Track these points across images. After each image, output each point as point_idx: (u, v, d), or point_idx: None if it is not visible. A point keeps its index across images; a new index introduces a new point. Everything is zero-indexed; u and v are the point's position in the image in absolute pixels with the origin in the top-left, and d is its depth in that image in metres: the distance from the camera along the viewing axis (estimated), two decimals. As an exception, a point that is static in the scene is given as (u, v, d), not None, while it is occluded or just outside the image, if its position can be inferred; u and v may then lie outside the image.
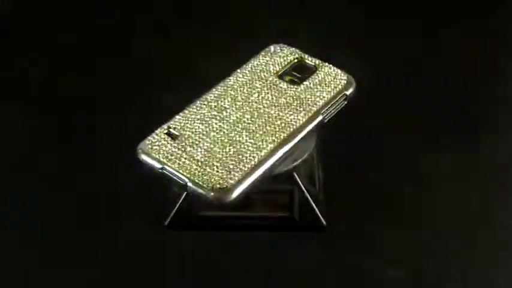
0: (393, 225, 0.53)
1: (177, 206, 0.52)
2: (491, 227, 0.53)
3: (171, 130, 0.46)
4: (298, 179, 0.51)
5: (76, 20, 0.69)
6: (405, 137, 0.59)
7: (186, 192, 0.51)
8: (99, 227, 0.53)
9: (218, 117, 0.47)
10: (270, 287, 0.50)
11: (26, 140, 0.59)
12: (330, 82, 0.49)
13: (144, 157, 0.45)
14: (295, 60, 0.51)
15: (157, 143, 0.45)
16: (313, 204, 0.52)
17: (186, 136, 0.46)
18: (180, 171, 0.44)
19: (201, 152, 0.45)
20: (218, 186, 0.44)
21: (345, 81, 0.50)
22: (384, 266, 0.51)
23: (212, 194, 0.43)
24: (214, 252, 0.52)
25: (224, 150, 0.45)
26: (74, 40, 0.67)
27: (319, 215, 0.52)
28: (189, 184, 0.44)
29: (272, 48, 0.52)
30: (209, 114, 0.47)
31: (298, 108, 0.48)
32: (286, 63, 0.50)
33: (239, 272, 0.51)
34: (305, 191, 0.51)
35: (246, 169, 0.44)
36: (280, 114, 0.48)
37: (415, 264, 0.51)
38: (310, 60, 0.51)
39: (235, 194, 0.44)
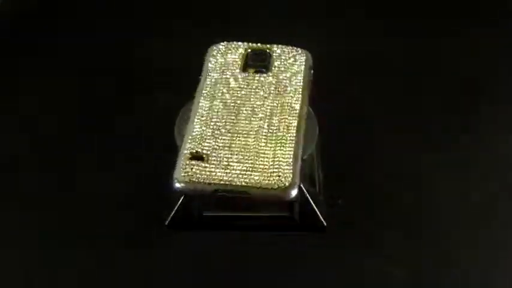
0: (393, 225, 0.53)
1: (177, 206, 0.52)
2: (491, 227, 0.53)
3: (195, 154, 0.46)
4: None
5: (76, 21, 0.69)
6: (405, 137, 0.59)
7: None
8: (99, 227, 0.53)
9: (228, 126, 0.47)
10: (270, 287, 0.50)
11: (26, 140, 0.59)
12: (294, 59, 0.51)
13: (187, 186, 0.45)
14: (249, 51, 0.51)
15: (193, 170, 0.45)
16: (313, 204, 0.52)
17: (215, 154, 0.46)
18: (236, 185, 0.44)
19: (240, 161, 0.45)
20: (282, 185, 0.44)
21: (304, 54, 0.51)
22: (383, 265, 0.51)
23: (281, 194, 0.44)
24: (215, 252, 0.52)
25: (260, 151, 0.45)
26: (73, 40, 0.67)
27: (319, 215, 0.52)
28: (254, 193, 0.44)
29: (216, 49, 0.52)
30: (216, 125, 0.47)
31: (286, 91, 0.49)
32: (241, 57, 0.51)
33: (239, 272, 0.51)
34: (305, 191, 0.51)
35: (291, 160, 0.45)
36: (276, 102, 0.48)
37: (415, 264, 0.51)
38: (260, 47, 0.51)
39: (297, 186, 0.44)
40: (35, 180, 0.56)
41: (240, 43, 0.52)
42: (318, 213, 0.52)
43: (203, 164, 0.45)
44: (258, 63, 0.51)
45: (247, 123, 0.47)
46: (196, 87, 0.50)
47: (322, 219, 0.52)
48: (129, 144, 0.58)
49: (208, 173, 0.45)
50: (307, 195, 0.51)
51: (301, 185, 0.51)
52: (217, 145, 0.46)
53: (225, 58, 0.51)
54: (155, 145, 0.57)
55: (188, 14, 0.70)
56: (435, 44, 0.67)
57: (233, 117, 0.47)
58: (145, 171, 0.56)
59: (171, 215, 0.52)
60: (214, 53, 0.51)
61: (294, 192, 0.44)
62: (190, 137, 0.47)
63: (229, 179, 0.44)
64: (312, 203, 0.52)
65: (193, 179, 0.45)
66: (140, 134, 0.58)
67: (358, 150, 0.58)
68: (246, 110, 0.48)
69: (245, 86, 0.49)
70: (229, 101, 0.48)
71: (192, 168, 0.45)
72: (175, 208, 0.52)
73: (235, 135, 0.46)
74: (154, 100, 0.61)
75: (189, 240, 0.52)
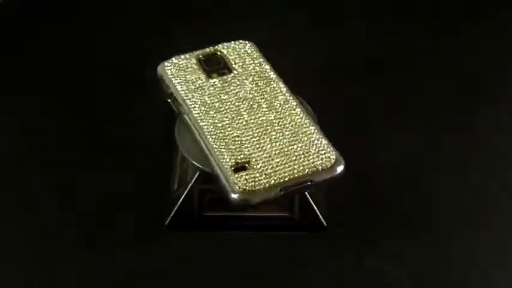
0: (393, 226, 0.53)
1: (177, 206, 0.52)
2: (491, 227, 0.53)
3: (236, 166, 0.45)
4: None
5: (76, 21, 0.69)
6: (405, 137, 0.59)
7: (186, 192, 0.51)
8: (99, 227, 0.53)
9: (241, 131, 0.47)
10: (270, 287, 0.50)
11: (26, 140, 0.59)
12: (246, 51, 0.51)
13: (250, 196, 0.44)
14: (200, 57, 0.51)
15: (248, 180, 0.44)
16: (313, 204, 0.52)
17: (253, 158, 0.45)
18: (300, 176, 0.45)
19: (282, 156, 0.45)
20: (332, 162, 0.45)
21: (248, 43, 0.52)
22: (384, 265, 0.51)
23: (333, 172, 0.45)
24: (215, 252, 0.52)
25: (290, 141, 0.46)
26: (74, 40, 0.67)
27: (319, 215, 0.52)
28: (317, 179, 0.45)
29: (169, 66, 0.51)
30: (232, 134, 0.47)
31: (265, 83, 0.49)
32: (198, 66, 0.51)
33: (239, 272, 0.51)
34: (305, 190, 0.51)
35: (323, 140, 0.46)
36: (264, 93, 0.48)
37: (415, 264, 0.51)
38: (209, 52, 0.51)
39: (342, 159, 0.46)
40: (35, 180, 0.56)
41: (186, 54, 0.51)
42: (318, 213, 0.52)
43: (253, 171, 0.45)
44: (215, 67, 0.50)
45: (257, 122, 0.47)
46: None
47: (322, 219, 0.52)
48: (129, 144, 0.58)
49: (264, 176, 0.44)
50: (307, 195, 0.51)
51: None
52: (248, 150, 0.45)
53: (185, 71, 0.50)
54: (155, 145, 0.57)
55: (188, 14, 0.70)
56: (435, 44, 0.67)
57: (241, 122, 0.47)
58: (145, 171, 0.56)
59: (171, 215, 0.52)
60: (169, 71, 0.51)
61: (341, 168, 0.45)
62: (218, 154, 0.46)
63: (290, 173, 0.44)
64: (312, 203, 0.52)
65: (255, 188, 0.44)
66: (140, 134, 0.58)
67: (358, 150, 0.58)
68: (245, 111, 0.48)
69: (227, 90, 0.49)
70: (223, 108, 0.48)
71: (246, 179, 0.44)
72: (175, 208, 0.52)
73: (255, 136, 0.46)
74: (154, 100, 0.61)
75: (189, 240, 0.52)
